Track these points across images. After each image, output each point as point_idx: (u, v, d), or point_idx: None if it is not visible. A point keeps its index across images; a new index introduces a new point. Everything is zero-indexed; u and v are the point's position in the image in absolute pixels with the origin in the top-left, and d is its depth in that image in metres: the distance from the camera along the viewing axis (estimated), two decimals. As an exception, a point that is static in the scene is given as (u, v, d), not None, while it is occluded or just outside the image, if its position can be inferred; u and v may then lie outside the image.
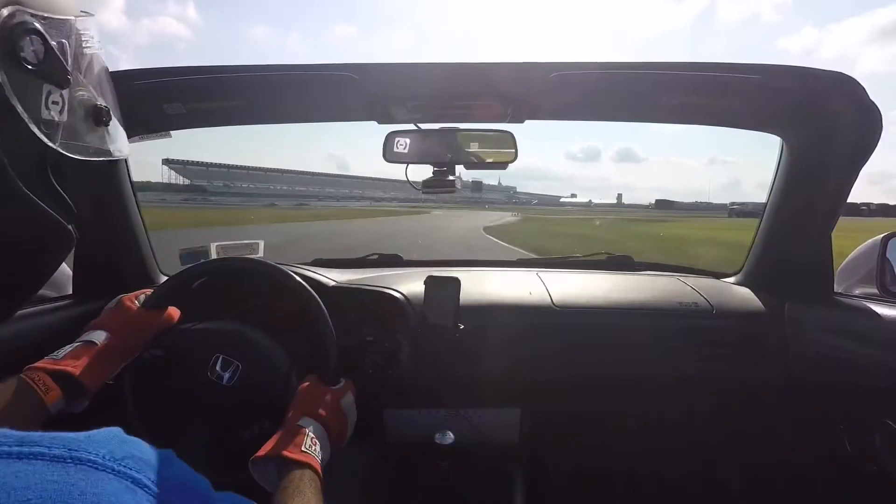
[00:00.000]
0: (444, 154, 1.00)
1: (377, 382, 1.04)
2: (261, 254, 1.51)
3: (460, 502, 1.22)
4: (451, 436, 1.09)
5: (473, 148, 1.00)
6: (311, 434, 0.70)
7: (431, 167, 1.03)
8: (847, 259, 1.28)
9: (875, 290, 1.11)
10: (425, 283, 1.11)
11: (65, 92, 0.41)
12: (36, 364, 0.70)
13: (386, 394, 1.13)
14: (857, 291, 1.19)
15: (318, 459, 0.68)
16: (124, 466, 0.29)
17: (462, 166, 1.03)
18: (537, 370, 1.16)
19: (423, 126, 1.02)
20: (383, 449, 1.21)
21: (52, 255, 0.45)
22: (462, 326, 1.08)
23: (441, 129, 1.01)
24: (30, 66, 0.38)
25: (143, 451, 0.31)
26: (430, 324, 1.09)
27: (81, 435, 0.29)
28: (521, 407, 1.21)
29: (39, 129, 0.39)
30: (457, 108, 1.00)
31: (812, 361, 1.12)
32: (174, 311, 0.89)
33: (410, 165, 1.02)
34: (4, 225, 0.39)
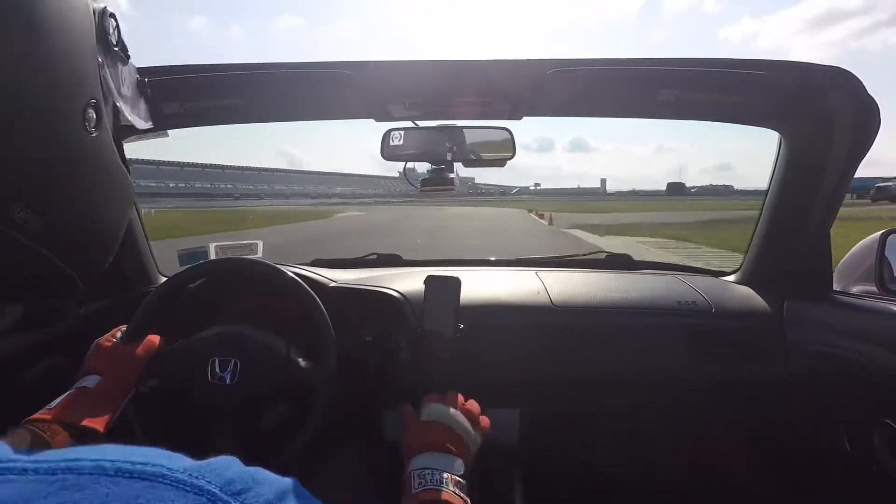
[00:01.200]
0: (442, 151, 0.99)
1: (377, 383, 1.04)
2: (259, 254, 1.51)
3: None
4: None
5: (471, 145, 1.00)
6: (416, 473, 0.64)
7: (430, 165, 1.03)
8: (846, 257, 1.28)
9: (874, 288, 1.10)
10: (425, 282, 1.10)
11: (126, 68, 0.45)
12: (33, 416, 0.69)
13: (385, 394, 1.13)
14: (855, 289, 1.19)
15: (435, 486, 0.62)
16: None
17: (461, 163, 1.03)
18: (537, 369, 1.15)
19: (421, 123, 1.02)
20: (383, 449, 1.21)
21: (125, 211, 0.49)
22: (462, 326, 1.07)
23: (439, 127, 1.01)
24: (115, 48, 0.41)
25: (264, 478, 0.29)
26: (430, 324, 1.08)
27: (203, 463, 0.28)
28: (521, 406, 1.21)
29: (124, 105, 0.44)
30: (454, 105, 1.00)
31: (811, 360, 1.12)
32: (153, 339, 0.87)
33: (404, 164, 1.01)
34: (108, 193, 0.43)
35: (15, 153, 0.31)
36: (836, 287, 1.16)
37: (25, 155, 0.32)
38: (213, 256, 1.44)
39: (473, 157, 1.00)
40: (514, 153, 1.00)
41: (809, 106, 0.96)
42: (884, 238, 1.12)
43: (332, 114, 1.14)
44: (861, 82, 0.88)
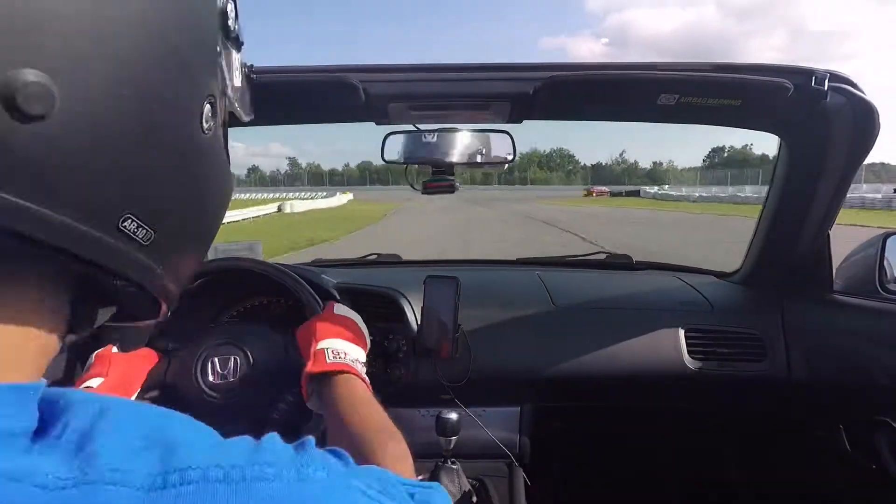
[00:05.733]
0: (442, 154, 1.00)
1: (376, 382, 1.05)
2: (259, 255, 1.52)
3: (460, 501, 1.22)
4: (454, 415, 1.10)
5: (471, 148, 1.00)
6: (330, 350, 0.74)
7: (431, 168, 1.04)
8: (846, 257, 1.28)
9: (874, 289, 1.11)
10: (424, 282, 1.11)
11: (237, 56, 0.39)
12: None
13: (385, 393, 1.14)
14: (855, 290, 1.19)
15: (350, 364, 0.73)
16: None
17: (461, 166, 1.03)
18: (536, 369, 1.16)
19: (422, 126, 1.02)
20: None
21: (222, 217, 0.42)
22: (461, 326, 1.08)
23: (439, 130, 1.01)
24: (233, 34, 0.36)
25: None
26: (429, 323, 1.09)
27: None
28: (521, 406, 1.22)
29: (234, 97, 0.38)
30: (455, 108, 1.00)
31: (811, 360, 1.12)
32: (150, 351, 0.89)
33: (410, 166, 1.02)
34: (214, 197, 0.37)
35: (130, 160, 0.27)
36: (836, 287, 1.16)
37: (139, 161, 0.28)
38: (211, 257, 1.44)
39: (474, 161, 1.00)
40: (515, 156, 1.00)
41: (809, 110, 0.96)
42: (884, 239, 1.12)
43: (333, 117, 1.14)
44: (859, 86, 0.88)
